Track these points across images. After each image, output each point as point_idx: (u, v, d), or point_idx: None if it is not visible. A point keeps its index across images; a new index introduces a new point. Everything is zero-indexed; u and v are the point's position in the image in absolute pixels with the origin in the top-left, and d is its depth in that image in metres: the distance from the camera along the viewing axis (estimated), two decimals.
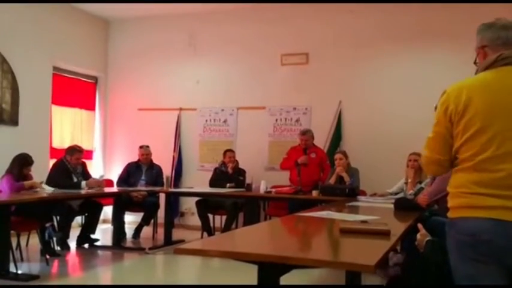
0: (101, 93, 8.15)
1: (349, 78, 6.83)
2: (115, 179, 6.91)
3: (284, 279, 1.95)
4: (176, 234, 6.41)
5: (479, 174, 1.78)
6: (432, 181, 4.03)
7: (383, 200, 4.77)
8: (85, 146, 7.02)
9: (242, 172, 6.66)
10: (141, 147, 6.75)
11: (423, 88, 6.23)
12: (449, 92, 1.88)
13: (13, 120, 6.38)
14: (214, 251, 2.00)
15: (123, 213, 6.24)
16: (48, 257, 4.99)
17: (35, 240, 5.39)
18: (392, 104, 6.55)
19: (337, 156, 5.86)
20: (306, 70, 7.04)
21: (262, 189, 5.89)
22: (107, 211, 6.83)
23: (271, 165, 7.07)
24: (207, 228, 6.36)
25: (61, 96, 7.36)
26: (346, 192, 5.28)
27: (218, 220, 6.59)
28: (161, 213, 6.37)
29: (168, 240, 6.06)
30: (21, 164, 5.19)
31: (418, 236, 2.36)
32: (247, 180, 6.35)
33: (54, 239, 5.21)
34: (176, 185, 7.34)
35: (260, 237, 2.56)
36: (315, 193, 5.43)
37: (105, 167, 8.02)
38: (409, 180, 4.96)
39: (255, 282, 1.92)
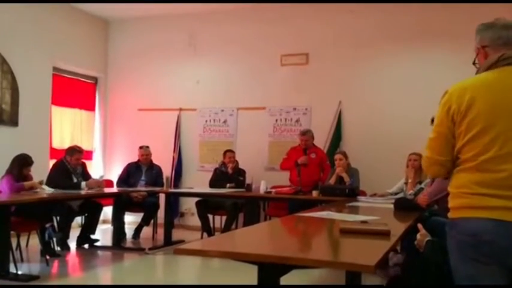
0: (100, 93, 8.15)
1: (349, 78, 6.83)
2: (115, 179, 6.91)
3: (284, 280, 1.95)
4: (176, 234, 6.41)
5: (482, 175, 1.77)
6: (432, 181, 4.03)
7: (383, 200, 4.77)
8: (85, 147, 7.02)
9: (242, 172, 6.66)
10: (141, 147, 6.75)
11: (423, 88, 6.23)
12: (451, 92, 1.87)
13: (13, 121, 6.38)
14: (214, 252, 2.00)
15: (123, 214, 6.24)
16: (48, 257, 4.99)
17: (35, 241, 5.39)
18: (392, 104, 6.55)
19: (337, 156, 5.86)
20: (306, 70, 7.04)
21: (262, 189, 5.89)
22: (107, 211, 6.83)
23: (271, 166, 7.07)
24: (207, 229, 6.36)
25: (61, 97, 7.36)
26: (346, 192, 5.28)
27: (218, 220, 6.59)
28: (161, 213, 6.37)
29: (168, 241, 6.06)
30: (21, 164, 5.18)
31: (418, 236, 2.36)
32: (247, 181, 6.35)
33: (54, 239, 5.21)
34: (176, 186, 7.34)
35: (260, 237, 2.56)
36: (315, 193, 5.43)
37: (105, 168, 8.02)
38: (409, 181, 4.97)
39: (255, 282, 1.92)
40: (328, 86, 6.92)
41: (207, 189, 6.38)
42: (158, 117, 7.75)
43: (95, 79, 8.12)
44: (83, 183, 5.72)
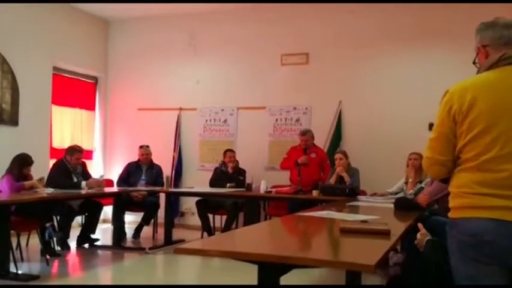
0: (101, 93, 8.15)
1: (349, 78, 6.84)
2: (115, 179, 6.91)
3: (284, 279, 1.95)
4: (176, 234, 6.42)
5: (483, 174, 1.77)
6: (432, 181, 4.03)
7: (383, 200, 4.77)
8: (85, 146, 7.02)
9: (242, 172, 6.66)
10: (141, 147, 6.75)
11: (423, 88, 6.24)
12: (452, 92, 1.86)
13: (13, 120, 6.38)
14: (215, 251, 2.00)
15: (123, 213, 6.24)
16: (48, 257, 4.99)
17: (35, 240, 5.39)
18: (392, 104, 6.55)
19: (337, 156, 5.87)
20: (306, 70, 7.04)
21: (262, 189, 5.89)
22: (107, 211, 6.83)
23: (271, 165, 7.07)
24: (207, 228, 6.36)
25: (61, 96, 7.36)
26: (347, 192, 5.29)
27: (218, 220, 6.59)
28: (161, 213, 6.37)
29: (168, 240, 6.06)
30: (21, 164, 5.18)
31: (418, 235, 2.37)
32: (248, 180, 6.35)
33: (55, 239, 5.21)
34: (176, 185, 7.35)
35: (260, 237, 2.56)
36: (315, 193, 5.43)
37: (105, 167, 8.03)
38: (410, 180, 4.97)
39: (255, 282, 1.92)
40: (328, 85, 6.92)
41: (207, 189, 6.39)
42: (158, 117, 7.75)
43: (95, 79, 8.12)
44: (83, 183, 5.72)
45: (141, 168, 6.68)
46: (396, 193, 5.27)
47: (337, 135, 6.77)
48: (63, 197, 5.31)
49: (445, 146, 1.88)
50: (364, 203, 4.55)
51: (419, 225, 2.43)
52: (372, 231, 2.35)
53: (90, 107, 8.03)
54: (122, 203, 6.19)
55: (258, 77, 7.29)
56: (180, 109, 7.68)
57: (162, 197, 6.32)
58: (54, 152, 7.04)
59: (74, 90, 7.69)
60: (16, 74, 6.39)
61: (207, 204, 6.41)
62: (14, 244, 4.87)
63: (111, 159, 8.04)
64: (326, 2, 6.75)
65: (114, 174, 7.19)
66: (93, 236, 5.95)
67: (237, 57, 7.43)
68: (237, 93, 7.40)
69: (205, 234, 6.34)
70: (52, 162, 6.38)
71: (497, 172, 1.74)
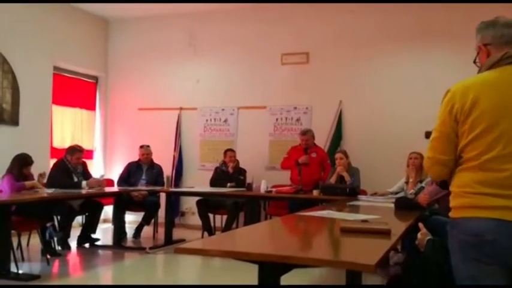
0: (101, 93, 8.16)
1: (349, 78, 6.84)
2: (115, 178, 6.91)
3: (284, 279, 1.95)
4: (177, 233, 6.42)
5: (485, 174, 1.76)
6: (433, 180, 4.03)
7: (384, 200, 4.77)
8: (85, 146, 7.03)
9: (243, 172, 6.66)
10: (141, 146, 6.75)
11: (423, 88, 6.24)
12: (454, 91, 1.86)
13: (13, 120, 6.38)
14: (215, 251, 2.00)
15: (124, 213, 6.24)
16: (49, 256, 5.00)
17: (35, 240, 5.39)
18: (392, 104, 6.56)
19: (338, 155, 5.87)
20: (306, 70, 7.05)
21: (262, 188, 5.89)
22: (108, 211, 6.83)
23: (271, 165, 7.07)
24: (207, 228, 6.36)
25: (61, 96, 7.37)
26: (347, 191, 5.30)
27: (219, 220, 6.59)
28: (162, 212, 6.37)
29: (169, 240, 6.06)
30: (21, 164, 5.18)
31: (419, 235, 2.37)
32: (248, 180, 6.36)
33: (55, 238, 5.21)
34: (177, 185, 7.35)
35: (261, 236, 2.56)
36: (315, 192, 5.43)
37: (106, 167, 8.03)
38: (410, 180, 4.97)
39: (255, 282, 1.92)
40: (328, 85, 6.92)
41: (208, 189, 6.39)
42: (159, 117, 7.76)
43: (96, 78, 8.12)
44: (84, 183, 5.72)
45: (141, 168, 6.69)
46: (397, 193, 5.27)
47: (337, 135, 6.78)
48: (63, 197, 5.31)
49: (447, 145, 1.87)
50: (364, 202, 4.55)
51: (420, 224, 2.43)
52: (373, 230, 2.35)
53: (91, 106, 8.04)
54: (123, 203, 6.20)
55: (258, 77, 7.29)
56: (181, 109, 7.68)
57: (163, 197, 6.32)
58: (54, 151, 7.04)
59: (75, 90, 7.70)
60: (16, 74, 6.39)
61: (207, 204, 6.41)
62: (15, 244, 4.87)
63: (112, 159, 8.04)
64: (326, 2, 6.75)
65: (115, 174, 7.19)
66: (93, 236, 5.95)
67: (237, 57, 7.43)
68: (237, 93, 7.40)
69: (205, 234, 6.34)
70: (52, 162, 6.39)
71: (499, 172, 1.74)
